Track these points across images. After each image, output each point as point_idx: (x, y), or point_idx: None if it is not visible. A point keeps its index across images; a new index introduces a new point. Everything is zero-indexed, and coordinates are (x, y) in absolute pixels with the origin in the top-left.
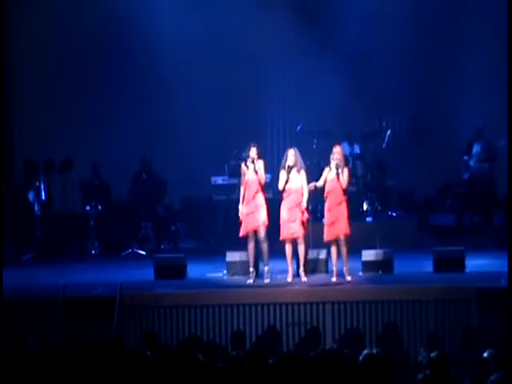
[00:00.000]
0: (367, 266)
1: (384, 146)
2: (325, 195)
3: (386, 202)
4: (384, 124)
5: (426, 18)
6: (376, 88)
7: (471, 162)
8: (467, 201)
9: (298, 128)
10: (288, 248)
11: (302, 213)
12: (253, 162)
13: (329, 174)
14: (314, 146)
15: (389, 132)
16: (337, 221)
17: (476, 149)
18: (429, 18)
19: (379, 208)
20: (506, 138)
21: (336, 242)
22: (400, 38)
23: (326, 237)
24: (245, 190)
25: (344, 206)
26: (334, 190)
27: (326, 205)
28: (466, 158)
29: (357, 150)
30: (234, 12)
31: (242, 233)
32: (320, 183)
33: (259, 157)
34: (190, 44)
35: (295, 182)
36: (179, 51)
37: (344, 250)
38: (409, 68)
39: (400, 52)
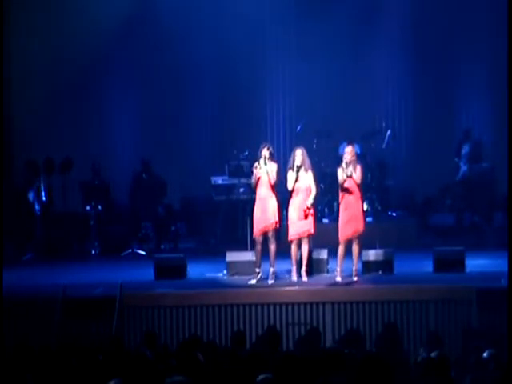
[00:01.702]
0: (367, 265)
1: (384, 146)
2: (341, 195)
3: (386, 202)
4: (384, 124)
5: (425, 18)
6: (376, 88)
7: (461, 164)
8: (467, 201)
9: (298, 128)
10: (294, 248)
11: (310, 210)
12: (265, 161)
13: (343, 174)
14: (314, 146)
15: (389, 132)
16: (356, 218)
17: (465, 150)
18: (429, 19)
19: (379, 208)
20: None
21: (348, 241)
22: (400, 38)
23: (343, 236)
24: (256, 189)
25: (360, 204)
26: (350, 188)
27: (344, 203)
28: (456, 159)
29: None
30: (233, 12)
31: (254, 234)
32: (342, 179)
33: (272, 159)
34: (190, 44)
35: (303, 182)
36: (179, 52)
37: (357, 248)
38: (409, 67)
39: (400, 51)
